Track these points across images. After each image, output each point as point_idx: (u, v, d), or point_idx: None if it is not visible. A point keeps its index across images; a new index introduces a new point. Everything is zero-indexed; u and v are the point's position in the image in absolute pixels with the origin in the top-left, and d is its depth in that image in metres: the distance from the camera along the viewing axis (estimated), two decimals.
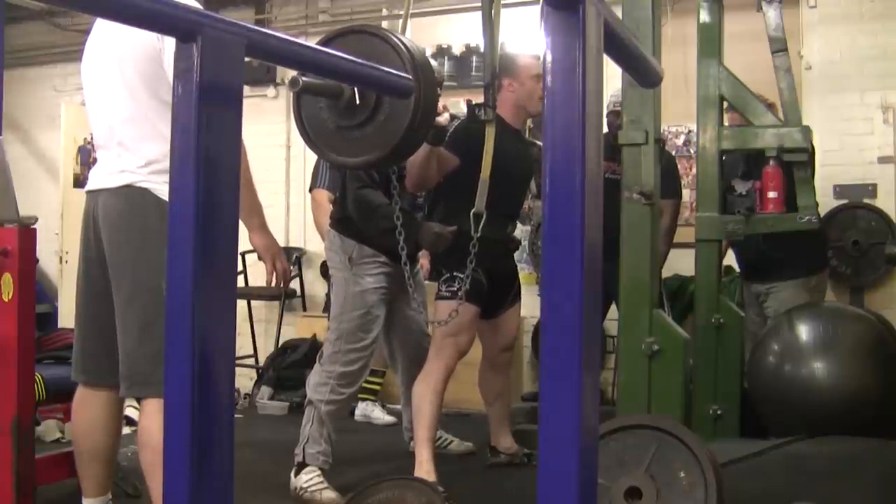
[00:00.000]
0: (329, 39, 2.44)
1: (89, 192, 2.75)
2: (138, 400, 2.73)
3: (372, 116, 2.22)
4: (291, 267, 6.13)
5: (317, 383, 3.60)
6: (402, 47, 2.30)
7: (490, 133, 3.30)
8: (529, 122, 4.63)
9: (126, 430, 3.63)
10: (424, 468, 3.48)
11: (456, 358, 3.66)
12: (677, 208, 4.91)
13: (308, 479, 3.51)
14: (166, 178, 2.25)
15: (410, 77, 1.99)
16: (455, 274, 3.57)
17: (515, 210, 3.97)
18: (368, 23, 6.37)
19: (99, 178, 2.71)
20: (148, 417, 2.59)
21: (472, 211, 3.36)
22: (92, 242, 2.72)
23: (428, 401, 3.57)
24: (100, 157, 2.78)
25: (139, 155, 2.62)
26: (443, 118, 3.21)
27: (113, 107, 2.67)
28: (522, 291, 4.10)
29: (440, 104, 2.84)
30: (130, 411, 4.04)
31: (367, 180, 3.57)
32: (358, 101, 2.16)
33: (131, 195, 2.62)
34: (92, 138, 2.90)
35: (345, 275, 3.67)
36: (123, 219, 2.63)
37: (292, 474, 3.57)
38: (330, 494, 3.47)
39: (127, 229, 2.62)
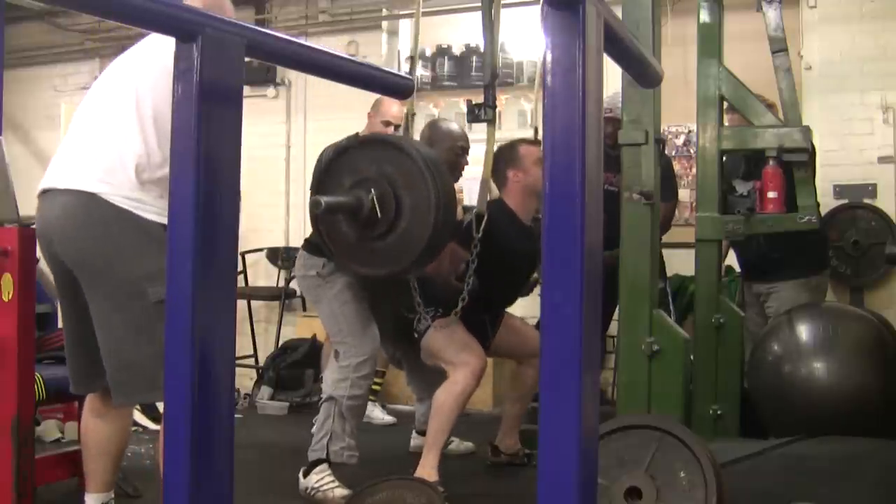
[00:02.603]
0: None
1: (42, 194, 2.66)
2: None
3: (392, 227, 2.22)
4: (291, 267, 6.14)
5: (335, 380, 3.57)
6: (418, 155, 2.30)
7: (490, 134, 3.29)
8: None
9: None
10: (426, 470, 3.45)
11: (482, 362, 3.59)
12: (673, 210, 4.91)
13: (319, 479, 3.50)
14: (159, 191, 2.25)
15: (411, 79, 1.99)
16: (427, 309, 3.56)
17: (512, 298, 3.97)
18: (368, 22, 6.42)
19: (56, 180, 2.63)
20: None
21: (474, 211, 3.36)
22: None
23: (447, 410, 3.52)
24: (69, 160, 2.66)
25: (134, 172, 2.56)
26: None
27: (124, 141, 2.57)
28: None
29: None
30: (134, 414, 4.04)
31: None
32: (379, 215, 2.16)
33: (88, 202, 2.54)
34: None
35: (318, 283, 3.65)
36: (87, 230, 2.54)
37: (301, 475, 3.55)
38: (342, 492, 3.44)
39: (92, 239, 2.55)
